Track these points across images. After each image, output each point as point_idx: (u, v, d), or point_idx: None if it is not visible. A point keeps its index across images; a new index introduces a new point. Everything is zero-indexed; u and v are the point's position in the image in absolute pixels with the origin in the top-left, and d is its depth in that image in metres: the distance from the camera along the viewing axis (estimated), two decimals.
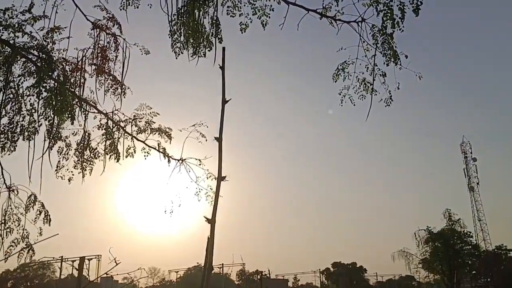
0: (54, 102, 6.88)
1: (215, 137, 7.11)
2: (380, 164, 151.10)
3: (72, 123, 7.91)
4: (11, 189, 8.39)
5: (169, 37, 7.50)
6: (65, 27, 7.84)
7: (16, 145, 7.79)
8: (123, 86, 8.67)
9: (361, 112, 7.42)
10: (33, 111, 7.49)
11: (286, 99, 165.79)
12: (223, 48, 7.38)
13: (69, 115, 7.44)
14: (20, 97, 7.47)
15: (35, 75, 7.29)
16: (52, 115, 7.36)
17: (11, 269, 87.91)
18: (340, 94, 7.64)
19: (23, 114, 7.62)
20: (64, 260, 59.93)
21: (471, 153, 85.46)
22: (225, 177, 7.08)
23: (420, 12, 6.26)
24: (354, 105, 7.48)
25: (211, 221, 6.58)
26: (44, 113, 7.42)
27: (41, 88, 6.95)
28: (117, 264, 5.18)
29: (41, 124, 7.77)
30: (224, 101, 7.16)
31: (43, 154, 7.56)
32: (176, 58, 7.54)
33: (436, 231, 45.53)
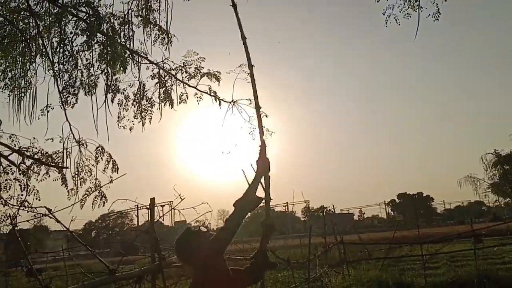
0: (105, 55, 7.25)
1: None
2: (441, 88, 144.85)
3: (124, 72, 8.29)
4: (80, 143, 9.04)
5: None
6: None
7: (78, 98, 8.38)
8: (169, 35, 8.93)
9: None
10: (89, 65, 7.99)
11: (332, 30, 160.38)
12: None
13: (121, 66, 7.83)
14: (75, 53, 7.97)
15: (87, 32, 7.68)
16: (106, 67, 7.79)
17: (93, 220, 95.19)
18: (384, 14, 7.37)
19: (80, 69, 8.17)
20: (139, 207, 64.02)
21: None
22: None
23: None
24: (399, 24, 7.24)
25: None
26: (99, 66, 7.89)
27: (92, 42, 7.34)
28: (182, 200, 5.58)
29: (98, 78, 8.29)
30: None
31: (102, 105, 8.10)
32: None
33: (504, 153, 44.01)
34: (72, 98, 8.34)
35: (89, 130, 8.94)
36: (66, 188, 8.48)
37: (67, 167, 8.43)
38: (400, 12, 7.23)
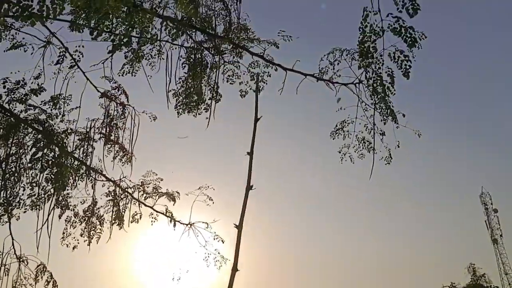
0: (51, 176, 7.06)
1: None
2: (398, 221, 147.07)
3: (62, 191, 8.08)
4: (21, 260, 8.44)
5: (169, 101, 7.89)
6: (70, 95, 8.23)
7: (12, 216, 7.96)
8: (130, 154, 8.91)
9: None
10: (34, 184, 7.72)
11: (291, 157, 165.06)
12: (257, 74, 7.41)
13: (62, 186, 7.61)
14: (22, 170, 7.70)
15: (40, 146, 7.53)
16: (51, 188, 7.56)
17: None
18: (340, 152, 7.71)
19: (23, 187, 7.84)
20: None
21: (491, 204, 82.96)
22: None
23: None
24: (353, 163, 7.54)
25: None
26: (44, 187, 7.65)
27: (41, 163, 7.17)
28: None
29: (41, 196, 7.95)
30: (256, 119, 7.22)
31: (42, 225, 7.69)
32: (178, 116, 8.04)
33: (460, 287, 43.94)
34: (16, 212, 7.93)
35: (35, 244, 8.40)
36: None
37: None
38: (355, 152, 7.58)
